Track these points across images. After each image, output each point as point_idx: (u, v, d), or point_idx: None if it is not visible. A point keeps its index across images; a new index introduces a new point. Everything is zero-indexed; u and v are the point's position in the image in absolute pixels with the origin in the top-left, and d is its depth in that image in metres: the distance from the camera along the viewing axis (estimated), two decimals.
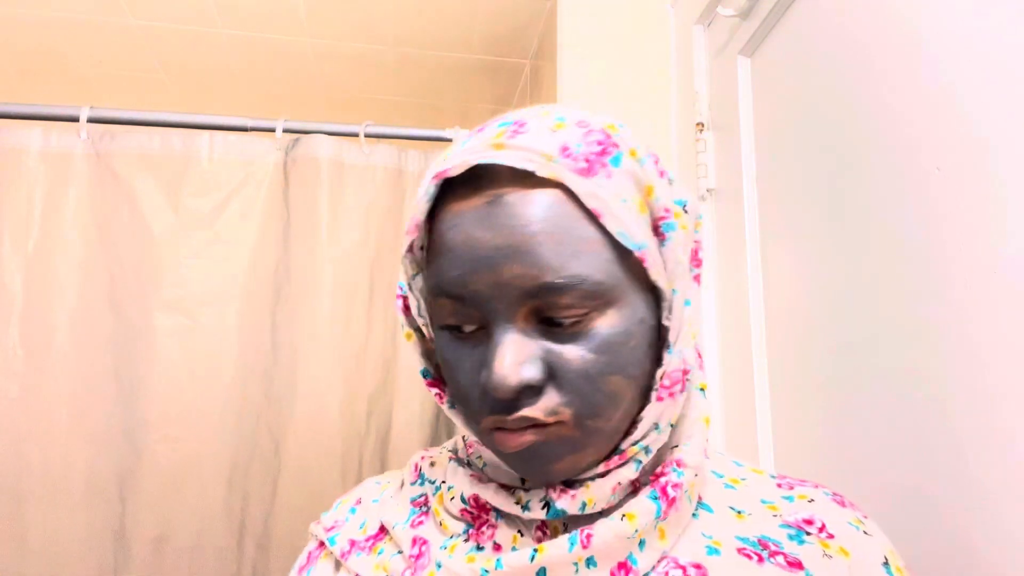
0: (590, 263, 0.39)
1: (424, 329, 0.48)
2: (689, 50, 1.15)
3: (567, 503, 0.42)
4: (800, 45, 0.85)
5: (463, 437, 0.50)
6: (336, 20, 1.52)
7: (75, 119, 1.18)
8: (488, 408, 0.40)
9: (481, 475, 0.47)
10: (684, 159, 1.15)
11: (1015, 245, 0.52)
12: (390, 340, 1.23)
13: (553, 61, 1.29)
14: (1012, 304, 0.52)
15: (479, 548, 0.44)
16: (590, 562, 0.40)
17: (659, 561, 0.42)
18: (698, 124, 1.09)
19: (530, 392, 0.39)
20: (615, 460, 0.43)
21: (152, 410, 1.13)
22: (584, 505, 0.42)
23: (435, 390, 0.47)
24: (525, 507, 0.43)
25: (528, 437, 0.40)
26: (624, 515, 0.41)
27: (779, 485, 0.48)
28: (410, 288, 0.47)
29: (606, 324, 0.40)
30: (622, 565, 0.41)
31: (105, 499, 1.10)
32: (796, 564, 0.41)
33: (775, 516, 0.44)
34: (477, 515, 0.45)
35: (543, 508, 0.42)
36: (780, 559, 0.41)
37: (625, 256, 0.40)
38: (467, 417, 0.43)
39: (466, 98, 1.82)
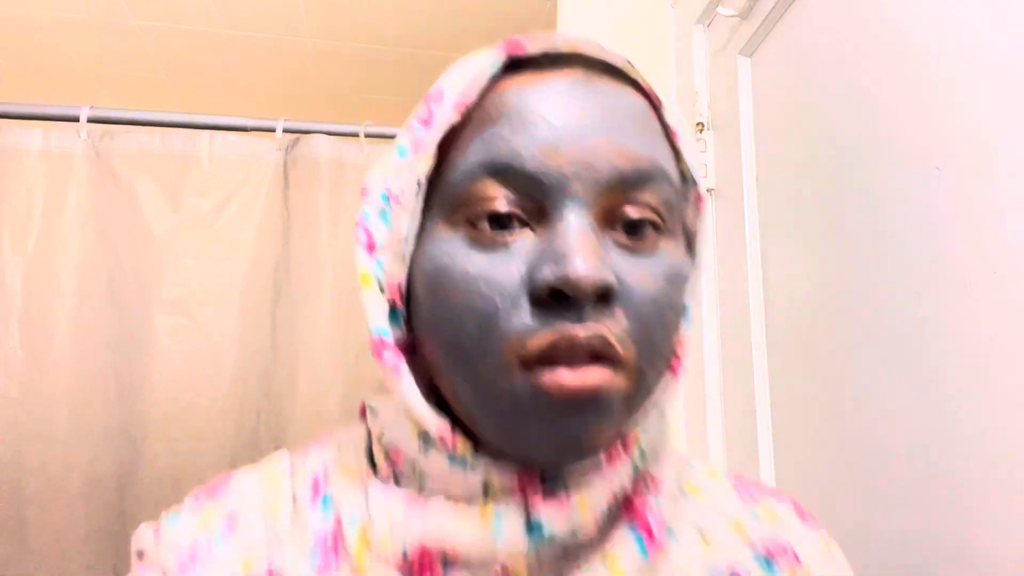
0: (673, 172, 0.35)
1: (396, 264, 0.35)
2: (689, 50, 1.15)
3: (556, 519, 0.32)
4: (800, 45, 0.85)
5: (378, 437, 0.37)
6: (336, 20, 1.52)
7: (75, 119, 1.18)
8: (539, 322, 0.30)
9: (419, 494, 0.34)
10: None
11: (1016, 244, 0.52)
12: None
13: None
14: (1012, 304, 0.52)
15: None
16: None
17: None
18: (698, 124, 1.09)
19: (603, 308, 0.31)
20: (617, 453, 0.34)
21: (152, 410, 1.13)
22: (576, 528, 0.32)
23: (391, 358, 0.35)
24: (496, 529, 0.32)
25: (596, 375, 0.30)
26: (606, 559, 0.33)
27: (741, 497, 0.42)
28: (382, 215, 0.37)
29: (671, 252, 0.34)
30: None
31: (105, 499, 1.10)
32: None
33: (744, 542, 0.39)
34: (419, 571, 0.33)
35: (526, 529, 0.32)
36: None
37: (679, 193, 0.36)
38: (469, 363, 0.32)
39: None
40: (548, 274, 0.30)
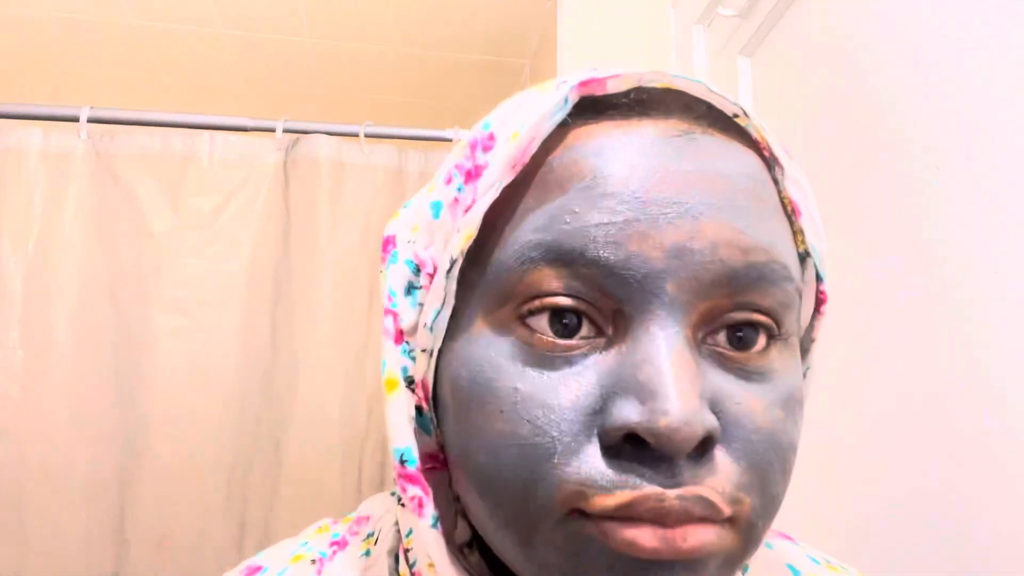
0: (794, 261, 0.26)
1: (421, 357, 0.28)
2: (689, 50, 1.15)
3: None
4: (800, 45, 0.85)
5: (406, 548, 0.29)
6: (336, 20, 1.52)
7: (75, 119, 1.18)
8: (611, 473, 0.23)
9: None
10: None
11: (1016, 244, 0.52)
12: None
13: (553, 61, 1.29)
14: (1013, 303, 0.52)
15: None
16: None
17: None
18: None
19: (697, 457, 0.23)
20: None
21: (152, 410, 1.13)
22: None
23: (417, 491, 0.27)
24: None
25: (698, 535, 0.22)
26: None
27: None
28: (409, 290, 0.29)
29: (790, 371, 0.26)
30: None
31: (105, 499, 1.10)
32: None
33: None
34: None
35: None
36: None
37: (799, 289, 0.27)
38: (507, 511, 0.24)
39: (466, 98, 1.82)
40: (629, 415, 0.22)
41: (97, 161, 1.18)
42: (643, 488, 0.22)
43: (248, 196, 1.22)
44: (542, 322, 0.24)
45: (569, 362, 0.24)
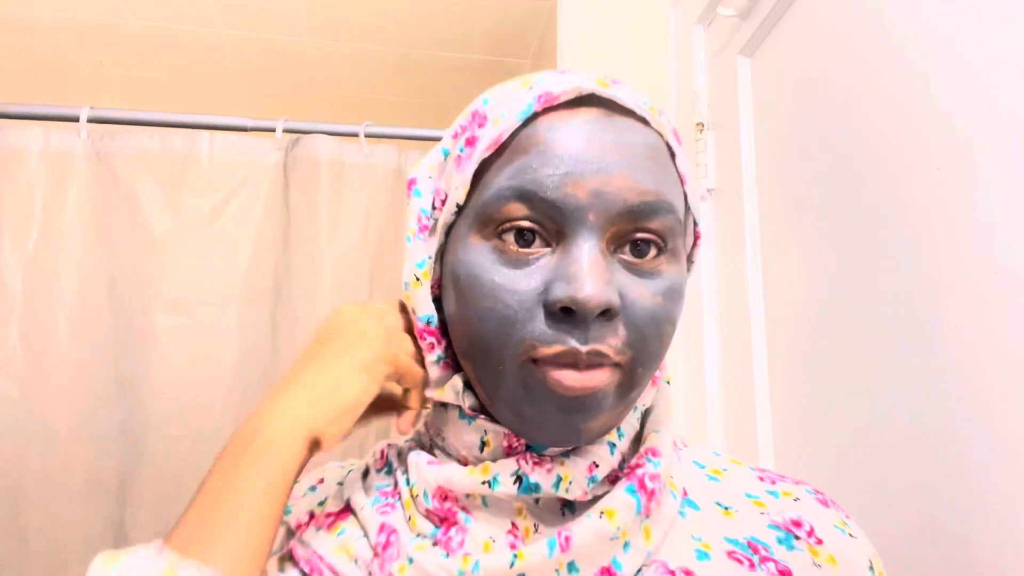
0: (678, 203, 0.40)
1: (429, 263, 0.44)
2: (689, 50, 1.15)
3: (541, 477, 0.39)
4: (800, 45, 0.85)
5: (424, 424, 0.47)
6: (336, 20, 1.52)
7: (75, 119, 1.18)
8: (550, 333, 0.37)
9: (440, 457, 0.44)
10: None
11: (1014, 244, 0.52)
12: None
13: (553, 61, 1.29)
14: (1010, 303, 0.52)
15: (446, 556, 0.39)
16: (571, 567, 0.37)
17: (647, 565, 0.39)
18: (698, 124, 1.09)
19: (604, 323, 0.37)
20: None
21: (152, 410, 1.13)
22: (559, 481, 0.39)
23: (431, 338, 0.44)
24: (493, 483, 0.39)
25: (596, 378, 0.37)
26: (603, 512, 0.38)
27: (761, 479, 0.46)
28: (433, 205, 0.44)
29: (673, 272, 0.40)
30: (605, 570, 0.37)
31: (105, 499, 1.10)
32: (786, 573, 0.39)
33: (763, 514, 0.43)
34: (444, 516, 0.41)
35: (515, 483, 0.39)
36: (771, 566, 0.39)
37: (683, 227, 0.41)
38: (490, 355, 0.38)
39: (466, 98, 1.82)
40: (561, 293, 0.36)
41: (97, 161, 1.18)
42: (569, 343, 0.36)
43: (248, 196, 1.22)
44: (511, 236, 0.38)
45: (527, 263, 0.38)
